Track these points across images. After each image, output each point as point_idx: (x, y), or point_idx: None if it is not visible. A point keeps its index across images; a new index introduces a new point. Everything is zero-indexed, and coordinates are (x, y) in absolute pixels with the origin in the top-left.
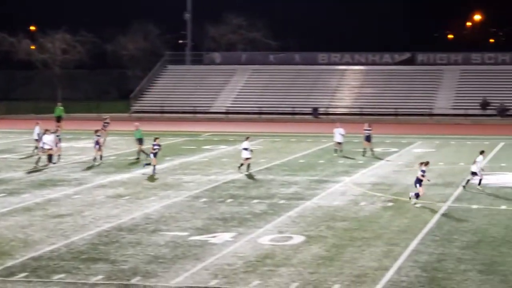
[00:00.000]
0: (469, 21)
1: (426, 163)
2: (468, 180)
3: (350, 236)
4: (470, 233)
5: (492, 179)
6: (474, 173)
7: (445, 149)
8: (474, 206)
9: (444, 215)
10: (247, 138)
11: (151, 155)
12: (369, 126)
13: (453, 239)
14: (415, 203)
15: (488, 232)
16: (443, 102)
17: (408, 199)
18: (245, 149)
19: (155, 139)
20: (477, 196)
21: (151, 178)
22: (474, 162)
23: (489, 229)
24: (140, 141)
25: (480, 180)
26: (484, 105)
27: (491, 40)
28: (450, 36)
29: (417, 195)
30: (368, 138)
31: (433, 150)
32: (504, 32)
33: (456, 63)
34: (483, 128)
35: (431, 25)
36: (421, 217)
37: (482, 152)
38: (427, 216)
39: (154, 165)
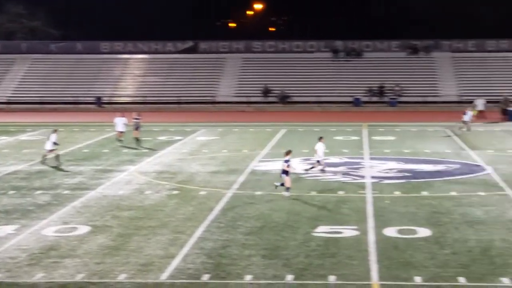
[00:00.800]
0: (250, 10)
1: (288, 152)
2: (312, 167)
3: (135, 225)
4: (254, 219)
5: (276, 166)
6: (318, 161)
7: (228, 137)
8: (258, 193)
9: (229, 202)
10: (54, 131)
11: None
12: (138, 115)
13: (237, 225)
14: (288, 196)
15: (271, 217)
16: (225, 89)
17: (195, 187)
18: (52, 142)
19: None
20: (260, 183)
21: None
22: (315, 151)
23: (272, 214)
24: None
25: (313, 166)
26: (266, 92)
27: (272, 29)
28: (232, 24)
29: (283, 185)
30: (136, 127)
31: (217, 137)
32: (283, 21)
33: (238, 51)
34: (265, 115)
35: (213, 14)
36: (206, 205)
37: (320, 138)
38: (212, 204)
39: None
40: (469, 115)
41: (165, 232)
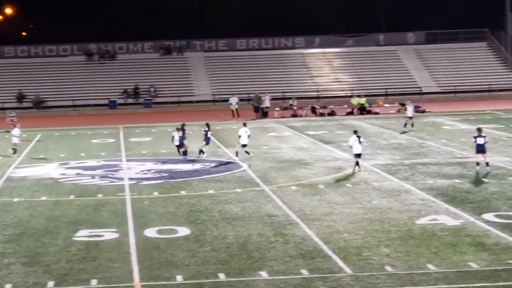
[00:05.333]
0: (0, 14)
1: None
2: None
3: None
4: (12, 227)
5: (33, 171)
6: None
7: None
8: (16, 199)
9: None
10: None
11: None
12: None
13: None
14: None
15: (30, 224)
16: None
17: None
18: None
19: None
20: (18, 189)
21: None
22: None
23: (31, 221)
24: None
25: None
26: (20, 98)
27: (24, 33)
28: None
29: None
30: None
31: None
32: (35, 25)
33: None
34: (21, 121)
35: None
36: None
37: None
38: None
39: None
40: (410, 110)
41: None
